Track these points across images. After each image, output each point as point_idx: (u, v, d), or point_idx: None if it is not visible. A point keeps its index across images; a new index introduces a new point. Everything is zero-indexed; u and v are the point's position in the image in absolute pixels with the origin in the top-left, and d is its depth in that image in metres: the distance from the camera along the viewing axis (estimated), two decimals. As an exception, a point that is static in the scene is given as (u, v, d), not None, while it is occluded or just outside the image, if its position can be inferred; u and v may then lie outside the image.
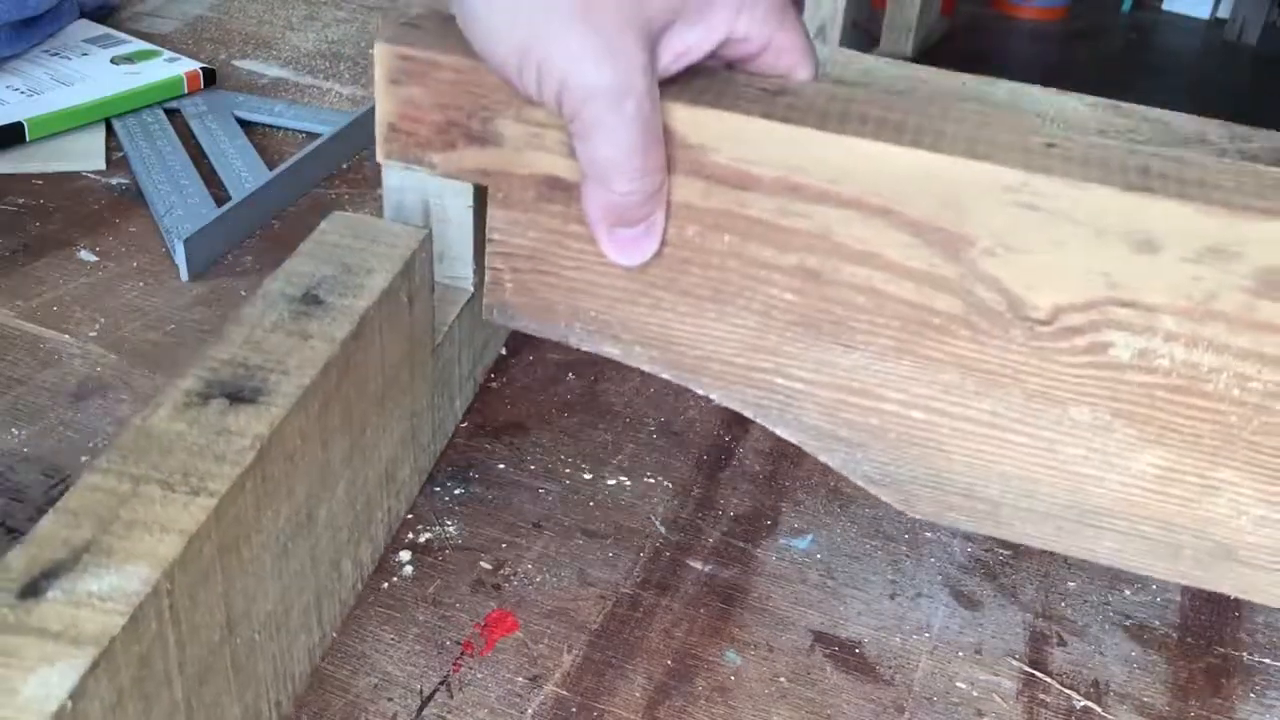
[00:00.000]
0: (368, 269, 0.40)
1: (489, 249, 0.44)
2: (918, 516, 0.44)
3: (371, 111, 0.43)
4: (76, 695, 0.25)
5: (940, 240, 0.38)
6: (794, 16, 0.42)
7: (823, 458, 0.44)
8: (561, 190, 0.41)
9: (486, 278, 0.44)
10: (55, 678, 0.26)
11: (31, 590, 0.27)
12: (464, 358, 0.49)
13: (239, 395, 0.34)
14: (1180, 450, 0.39)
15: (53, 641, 0.26)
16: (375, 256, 0.41)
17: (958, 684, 0.42)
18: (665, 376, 0.44)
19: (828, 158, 0.38)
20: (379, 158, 0.43)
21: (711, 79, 0.41)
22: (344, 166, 0.72)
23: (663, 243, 0.41)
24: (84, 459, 0.47)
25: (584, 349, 0.45)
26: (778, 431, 0.44)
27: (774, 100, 0.40)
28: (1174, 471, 0.40)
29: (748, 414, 0.44)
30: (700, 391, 0.44)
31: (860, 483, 0.44)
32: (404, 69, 0.41)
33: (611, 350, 0.44)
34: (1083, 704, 0.42)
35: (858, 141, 0.38)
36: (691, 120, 0.39)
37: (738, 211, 0.40)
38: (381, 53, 0.41)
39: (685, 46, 0.39)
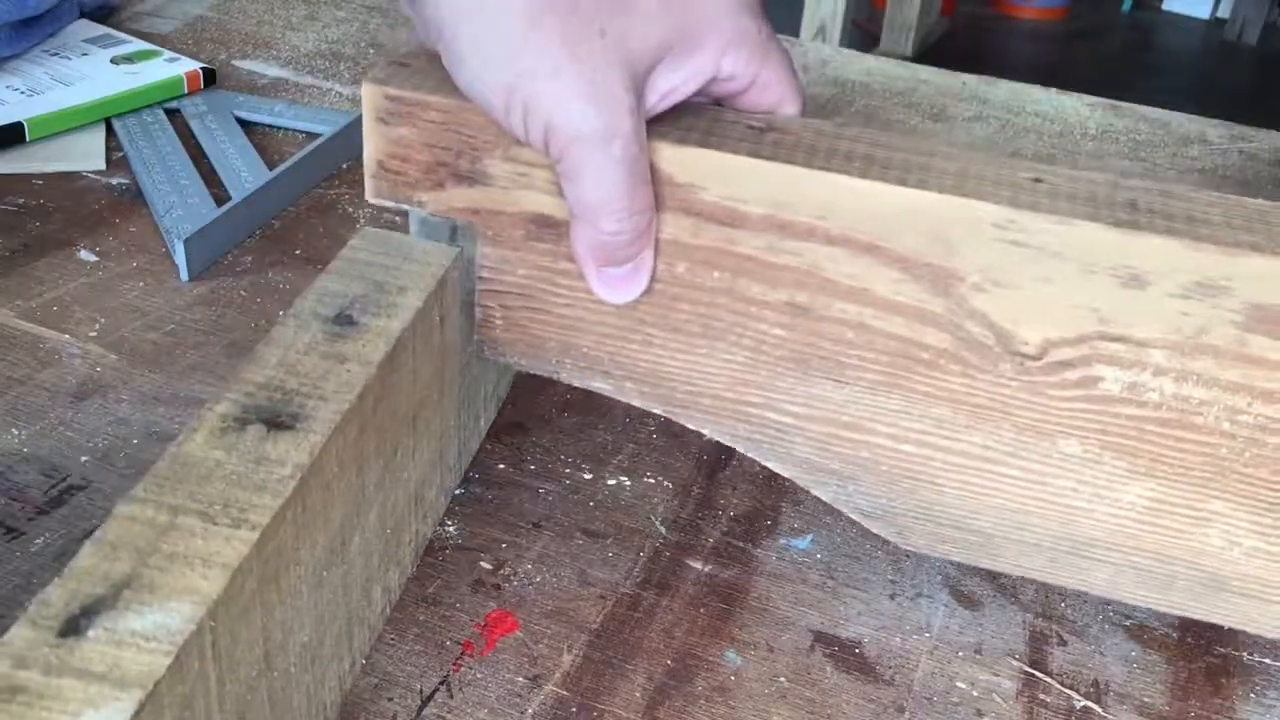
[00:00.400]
0: (400, 287, 0.39)
1: (479, 286, 0.44)
2: (911, 549, 0.44)
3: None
4: None
5: (929, 276, 0.39)
6: (779, 53, 0.42)
7: (815, 491, 0.44)
8: (551, 228, 0.42)
9: (477, 315, 0.44)
10: None
11: (72, 628, 0.27)
12: (489, 374, 0.49)
13: (277, 421, 0.33)
14: (1171, 482, 0.40)
15: (96, 684, 0.26)
16: (408, 275, 0.40)
17: (958, 684, 0.42)
18: (656, 411, 0.45)
19: (815, 195, 0.38)
20: (368, 197, 0.43)
21: (699, 116, 0.41)
22: (344, 166, 0.72)
23: (653, 279, 0.41)
24: (84, 459, 0.47)
25: (575, 385, 0.45)
26: (770, 466, 0.44)
27: (761, 137, 0.40)
28: (1165, 503, 0.40)
29: (739, 448, 0.44)
30: (691, 426, 0.45)
31: (853, 515, 0.44)
32: (391, 109, 0.41)
33: (602, 386, 0.45)
34: (1083, 704, 0.42)
35: (844, 179, 0.38)
36: (679, 159, 0.39)
37: (727, 248, 0.40)
38: (369, 93, 0.41)
39: (671, 86, 0.39)
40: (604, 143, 0.37)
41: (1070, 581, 0.43)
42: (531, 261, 0.43)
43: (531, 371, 0.45)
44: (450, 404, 0.44)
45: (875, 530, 0.44)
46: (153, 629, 0.27)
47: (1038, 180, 0.39)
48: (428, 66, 0.42)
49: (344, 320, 0.38)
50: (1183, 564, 0.41)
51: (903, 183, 0.38)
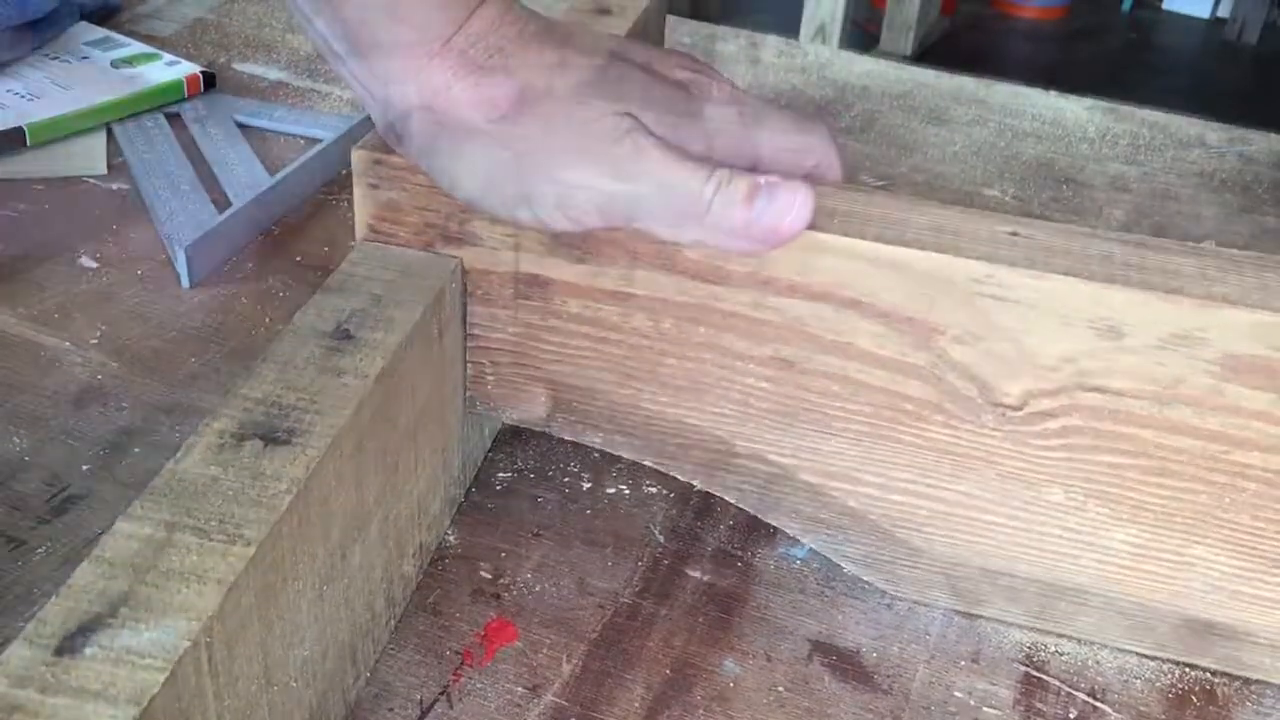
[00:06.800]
0: (398, 302, 0.40)
1: (469, 344, 0.44)
2: (902, 596, 0.45)
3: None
4: None
5: (910, 330, 0.39)
6: (771, 119, 0.41)
7: (806, 540, 0.45)
8: (539, 287, 0.42)
9: (468, 371, 0.45)
10: None
11: (68, 647, 0.27)
12: None
13: (273, 437, 0.34)
14: (1153, 528, 0.40)
15: (91, 701, 0.26)
16: (405, 289, 0.40)
17: (955, 692, 0.42)
18: (648, 464, 0.45)
19: (795, 253, 0.39)
20: None
21: None
22: (345, 172, 0.72)
23: (642, 334, 0.42)
24: (85, 468, 0.47)
25: (566, 439, 0.46)
26: (760, 516, 0.45)
27: None
28: (1148, 549, 0.41)
29: (729, 499, 0.45)
30: (682, 478, 0.45)
31: (844, 564, 0.45)
32: (381, 174, 0.42)
33: (593, 439, 0.45)
34: (1079, 712, 0.42)
35: (824, 236, 0.39)
36: None
37: (712, 305, 0.41)
38: (359, 159, 0.42)
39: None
40: (616, 141, 0.37)
41: (1057, 627, 0.44)
42: (520, 319, 0.43)
43: (524, 426, 0.46)
44: (452, 415, 0.44)
45: (867, 579, 0.45)
46: (148, 646, 0.27)
47: (1015, 234, 0.39)
48: None
49: (341, 335, 0.38)
50: (1167, 608, 0.42)
51: (882, 239, 0.38)
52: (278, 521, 0.31)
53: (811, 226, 0.38)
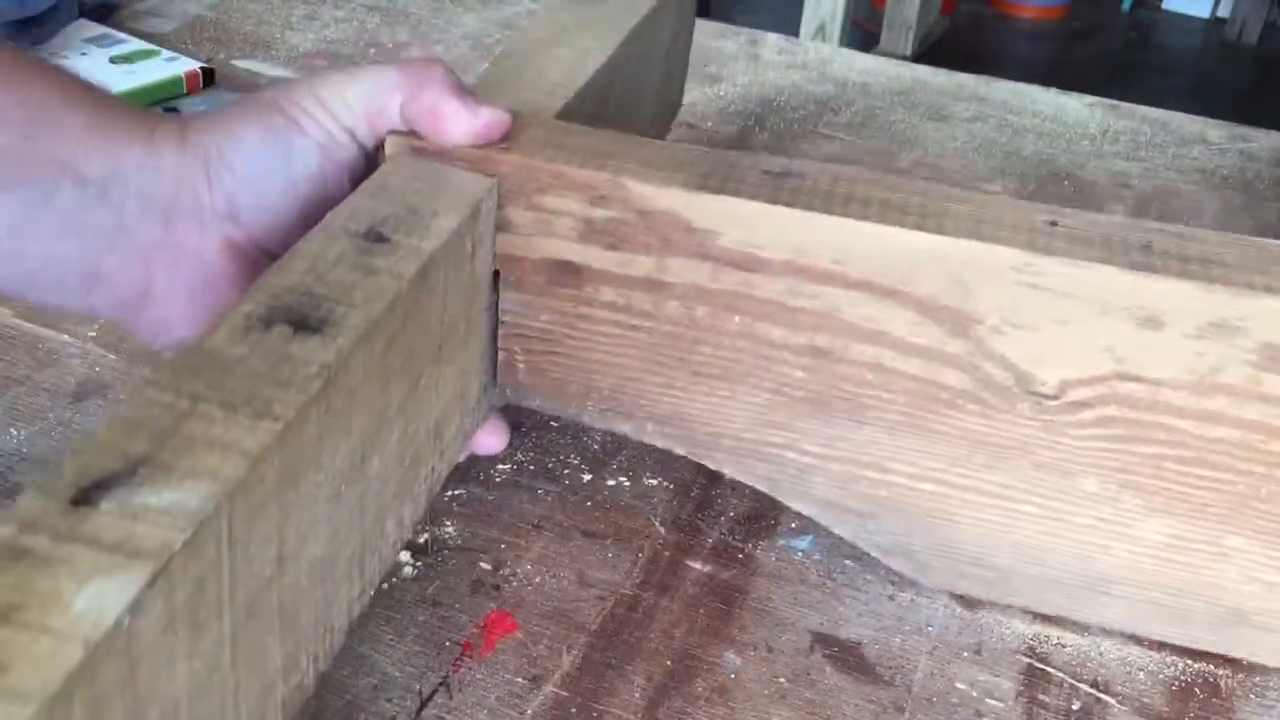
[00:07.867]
0: (433, 211, 0.39)
1: (501, 330, 0.44)
2: (930, 585, 0.45)
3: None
4: (134, 611, 0.24)
5: (947, 319, 0.39)
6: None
7: (835, 529, 0.44)
8: (572, 274, 0.42)
9: (500, 358, 0.44)
10: (112, 591, 0.24)
11: (84, 499, 0.26)
12: None
13: (304, 324, 0.33)
14: (1189, 519, 0.40)
15: (107, 553, 0.25)
16: (442, 199, 0.39)
17: (957, 684, 0.42)
18: (678, 452, 0.45)
19: (832, 241, 0.39)
20: None
21: (716, 162, 0.41)
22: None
23: (675, 322, 0.42)
24: (83, 459, 0.47)
25: (597, 426, 0.45)
26: (790, 504, 0.44)
27: (778, 183, 0.40)
28: (1183, 539, 0.41)
29: (760, 488, 0.44)
30: (712, 466, 0.45)
31: (873, 553, 0.45)
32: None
33: (624, 427, 0.45)
34: (1082, 704, 0.42)
35: (862, 224, 0.38)
36: (697, 204, 0.39)
37: (746, 293, 0.40)
38: (393, 143, 0.41)
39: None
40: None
41: (1088, 617, 0.44)
42: (553, 307, 0.43)
43: (554, 414, 0.45)
44: (476, 342, 0.43)
45: (894, 566, 0.45)
46: (169, 505, 0.26)
47: (1054, 223, 0.39)
48: None
49: (375, 237, 0.37)
50: (1201, 599, 0.42)
51: (920, 228, 0.38)
52: (307, 404, 0.30)
53: (849, 214, 0.38)
